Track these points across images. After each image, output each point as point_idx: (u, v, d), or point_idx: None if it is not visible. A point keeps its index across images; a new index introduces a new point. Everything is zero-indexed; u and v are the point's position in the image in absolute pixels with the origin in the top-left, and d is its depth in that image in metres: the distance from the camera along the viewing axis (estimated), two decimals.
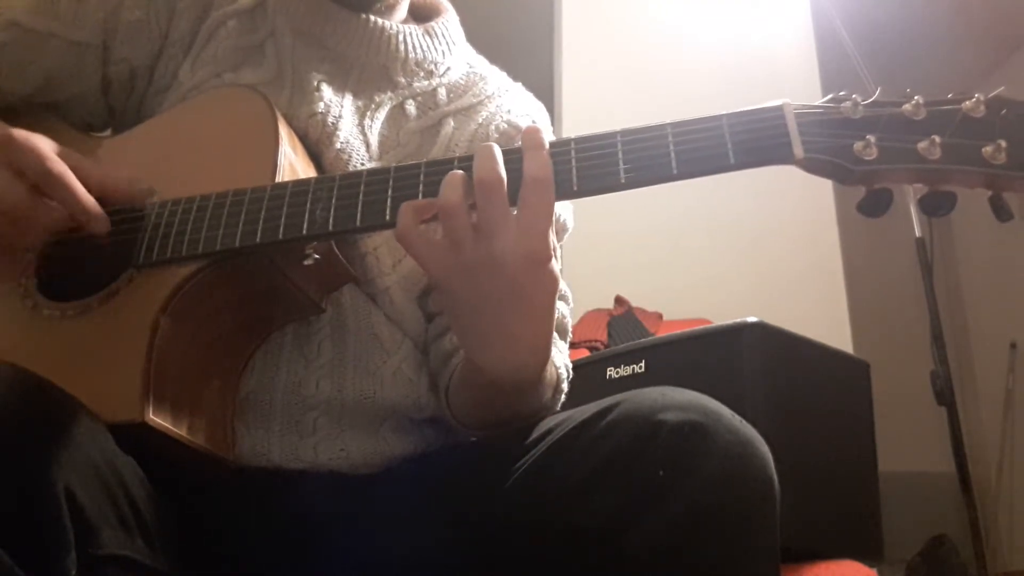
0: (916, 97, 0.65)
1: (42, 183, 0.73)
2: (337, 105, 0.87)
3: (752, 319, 1.44)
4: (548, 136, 0.70)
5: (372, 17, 0.92)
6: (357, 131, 0.88)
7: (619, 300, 2.25)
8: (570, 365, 0.90)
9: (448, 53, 0.97)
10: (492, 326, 0.70)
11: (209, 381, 0.77)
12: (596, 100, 2.53)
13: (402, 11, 0.96)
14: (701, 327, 1.59)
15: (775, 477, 0.67)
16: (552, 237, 0.68)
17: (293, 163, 0.79)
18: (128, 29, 0.89)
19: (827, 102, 0.67)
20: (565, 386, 0.89)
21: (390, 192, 0.71)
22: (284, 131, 0.80)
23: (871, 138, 0.64)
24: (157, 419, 0.69)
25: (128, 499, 0.64)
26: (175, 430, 0.70)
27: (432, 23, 0.97)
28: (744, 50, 2.66)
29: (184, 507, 0.72)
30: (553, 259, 0.68)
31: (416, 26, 0.95)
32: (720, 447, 0.65)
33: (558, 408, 0.87)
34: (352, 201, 0.72)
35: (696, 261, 2.42)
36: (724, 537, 0.65)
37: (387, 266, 0.86)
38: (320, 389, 0.82)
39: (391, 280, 0.86)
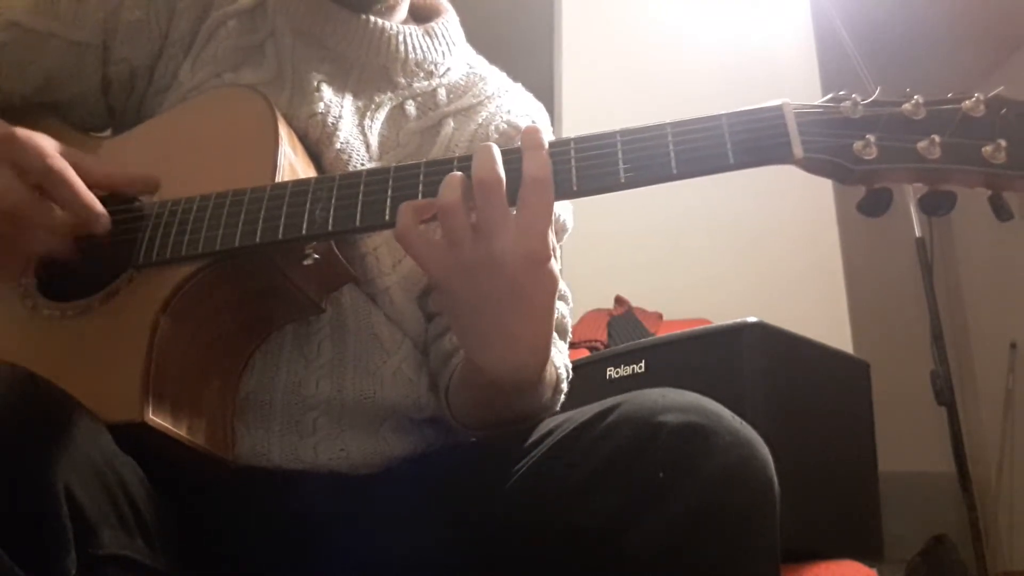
0: (916, 97, 0.65)
1: (43, 181, 0.73)
2: (337, 105, 0.87)
3: (752, 319, 1.44)
4: (548, 136, 0.70)
5: (372, 17, 0.92)
6: (357, 131, 0.88)
7: (619, 300, 2.25)
8: (570, 365, 0.90)
9: (448, 54, 0.97)
10: (492, 326, 0.70)
11: (209, 381, 0.77)
12: (596, 100, 2.53)
13: (402, 12, 0.96)
14: (701, 327, 1.59)
15: (775, 478, 0.67)
16: (551, 237, 0.68)
17: (293, 163, 0.79)
18: (128, 29, 0.89)
19: (827, 102, 0.67)
20: (565, 386, 0.89)
21: (390, 192, 0.71)
22: (284, 131, 0.80)
23: (871, 137, 0.64)
24: (157, 419, 0.69)
25: (128, 499, 0.64)
26: (175, 430, 0.70)
27: (432, 24, 0.97)
28: (744, 50, 2.66)
29: (184, 507, 0.72)
30: (552, 259, 0.68)
31: (416, 27, 0.95)
32: (720, 448, 0.65)
33: (558, 408, 0.87)
34: (352, 201, 0.72)
35: (696, 261, 2.42)
36: (724, 538, 0.65)
37: (387, 266, 0.86)
38: (320, 389, 0.82)
39: (391, 280, 0.86)
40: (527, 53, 2.29)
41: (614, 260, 2.33)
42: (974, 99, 0.64)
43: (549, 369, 0.80)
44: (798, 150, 0.65)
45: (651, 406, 0.68)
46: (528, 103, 1.02)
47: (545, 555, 0.68)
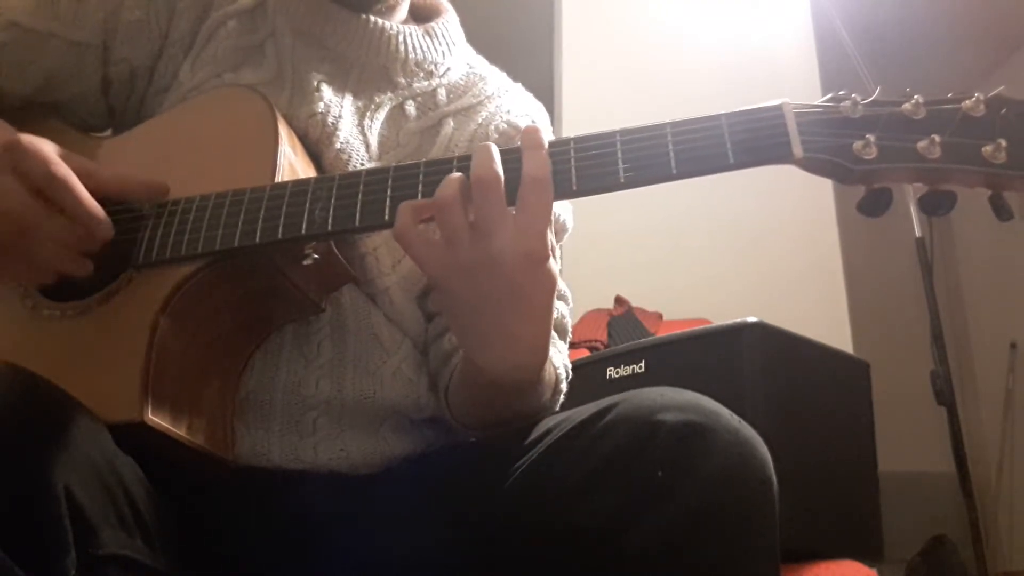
0: (916, 96, 0.65)
1: (46, 188, 0.73)
2: (337, 105, 0.87)
3: (752, 319, 1.44)
4: (547, 136, 0.70)
5: (372, 17, 0.92)
6: (357, 131, 0.88)
7: (619, 300, 2.25)
8: (569, 365, 0.90)
9: (448, 54, 0.97)
10: (491, 326, 0.70)
11: (209, 381, 0.77)
12: (596, 100, 2.53)
13: (402, 12, 0.96)
14: (701, 327, 1.59)
15: (774, 477, 0.67)
16: (551, 236, 0.68)
17: (293, 163, 0.79)
18: (128, 29, 0.89)
19: (826, 101, 0.67)
20: (564, 386, 0.89)
21: (389, 192, 0.71)
22: (284, 131, 0.80)
23: (871, 137, 0.64)
24: (156, 419, 0.69)
25: (128, 499, 0.64)
26: (174, 430, 0.71)
27: (432, 23, 0.97)
28: (744, 50, 2.66)
29: (184, 507, 0.72)
30: (551, 258, 0.68)
31: (416, 27, 0.95)
32: (719, 447, 0.65)
33: (557, 408, 0.87)
34: (351, 201, 0.72)
35: (696, 261, 2.42)
36: (724, 537, 0.64)
37: (387, 266, 0.86)
38: (320, 389, 0.82)
39: (391, 280, 0.86)
40: (527, 53, 2.29)
41: (614, 260, 2.33)
42: (974, 99, 0.64)
43: (548, 369, 0.80)
44: (798, 150, 0.65)
45: (650, 405, 0.68)
46: (528, 103, 1.02)
47: (545, 555, 0.68)
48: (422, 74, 0.94)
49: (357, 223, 0.71)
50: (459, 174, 0.68)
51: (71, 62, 0.89)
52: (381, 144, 0.89)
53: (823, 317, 2.33)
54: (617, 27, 2.71)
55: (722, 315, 1.58)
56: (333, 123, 0.86)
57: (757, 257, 2.45)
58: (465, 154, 0.70)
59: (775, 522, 0.67)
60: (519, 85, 1.03)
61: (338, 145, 0.85)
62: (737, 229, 2.45)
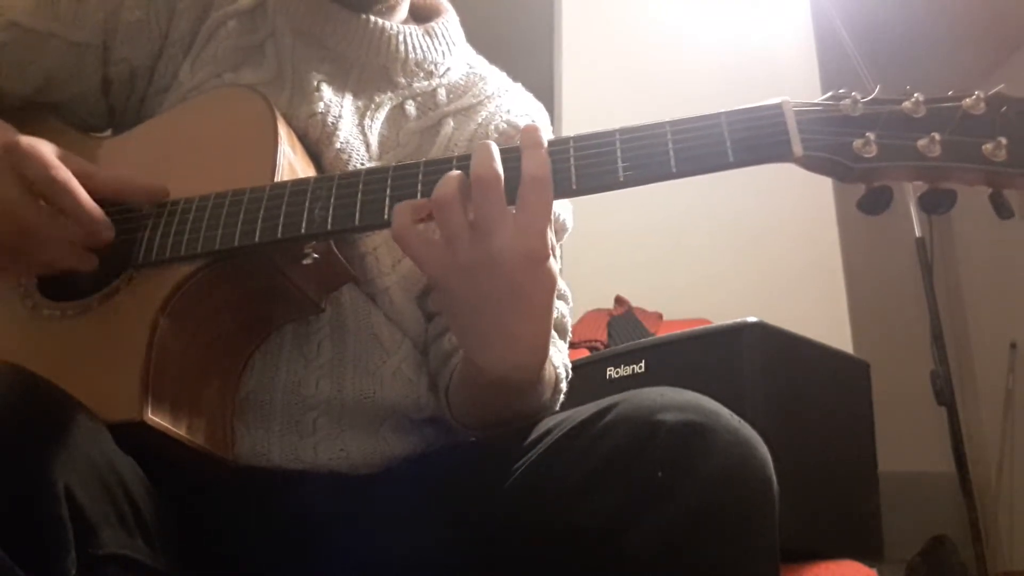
0: (916, 94, 0.65)
1: (46, 191, 0.73)
2: (337, 105, 0.87)
3: (752, 319, 1.43)
4: (547, 136, 0.70)
5: (372, 17, 0.92)
6: (357, 131, 0.88)
7: (619, 300, 2.25)
8: (569, 365, 0.90)
9: (448, 53, 0.97)
10: (491, 325, 0.70)
11: (209, 381, 0.77)
12: (596, 100, 2.53)
13: (402, 11, 0.96)
14: (701, 327, 1.59)
15: (774, 477, 0.67)
16: (551, 236, 0.68)
17: (292, 163, 0.79)
18: (128, 29, 0.89)
19: (826, 100, 0.67)
20: (564, 386, 0.89)
21: (388, 192, 0.71)
22: (284, 131, 0.80)
23: (870, 135, 0.64)
24: (156, 419, 0.69)
25: (128, 499, 0.64)
26: (174, 430, 0.71)
27: (432, 23, 0.97)
28: (744, 50, 2.66)
29: (184, 507, 0.72)
30: (551, 258, 0.68)
31: (416, 26, 0.95)
32: (719, 447, 0.65)
33: (557, 408, 0.87)
34: (351, 200, 0.72)
35: (696, 261, 2.42)
36: (724, 537, 0.64)
37: (386, 266, 0.86)
38: (320, 389, 0.82)
39: (391, 280, 0.86)
40: (527, 53, 2.29)
41: (614, 260, 2.32)
42: (974, 97, 0.64)
43: (548, 368, 0.80)
44: (798, 148, 0.65)
45: (650, 405, 0.68)
46: (528, 103, 1.02)
47: (545, 555, 0.68)
48: (422, 74, 0.94)
49: (357, 223, 0.71)
50: (458, 172, 0.68)
51: (71, 62, 0.89)
52: (381, 144, 0.89)
53: (823, 317, 2.33)
54: (617, 27, 2.71)
55: (722, 315, 1.58)
56: (333, 123, 0.86)
57: (757, 257, 2.45)
58: (465, 154, 0.70)
59: (775, 522, 0.67)
60: (519, 85, 1.03)
61: (338, 145, 0.85)
62: (737, 229, 2.45)
